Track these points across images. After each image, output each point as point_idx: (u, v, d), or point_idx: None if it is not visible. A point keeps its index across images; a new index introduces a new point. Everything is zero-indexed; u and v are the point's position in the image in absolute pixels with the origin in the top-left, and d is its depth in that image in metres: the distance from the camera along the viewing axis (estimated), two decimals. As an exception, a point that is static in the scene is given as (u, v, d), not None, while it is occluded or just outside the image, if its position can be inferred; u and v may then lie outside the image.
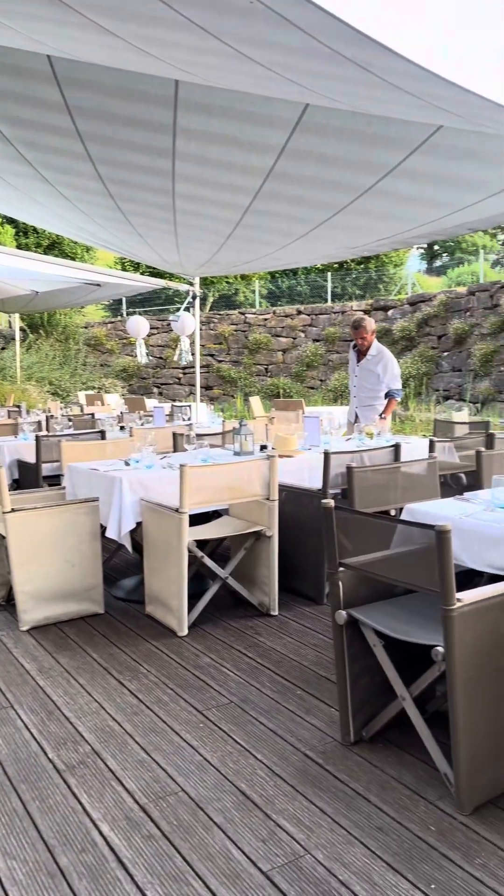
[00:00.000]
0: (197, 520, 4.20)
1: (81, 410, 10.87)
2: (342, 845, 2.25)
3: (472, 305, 16.80)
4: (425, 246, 31.76)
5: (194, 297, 10.49)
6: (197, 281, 10.41)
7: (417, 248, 31.51)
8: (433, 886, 2.06)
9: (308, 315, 19.99)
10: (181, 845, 2.26)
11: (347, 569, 2.74)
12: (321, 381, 19.09)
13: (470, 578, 3.06)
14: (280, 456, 4.43)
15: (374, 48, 2.71)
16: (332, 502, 2.73)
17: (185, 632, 3.99)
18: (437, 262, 33.12)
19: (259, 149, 4.60)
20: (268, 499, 4.15)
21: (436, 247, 32.67)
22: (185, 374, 20.08)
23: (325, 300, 22.17)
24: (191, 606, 4.04)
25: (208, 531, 4.20)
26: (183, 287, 10.77)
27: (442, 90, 3.35)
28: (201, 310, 14.38)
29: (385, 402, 6.58)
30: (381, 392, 6.56)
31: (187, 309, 10.52)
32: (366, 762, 2.70)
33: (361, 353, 6.66)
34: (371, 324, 6.59)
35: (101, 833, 2.33)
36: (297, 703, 3.19)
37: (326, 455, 4.36)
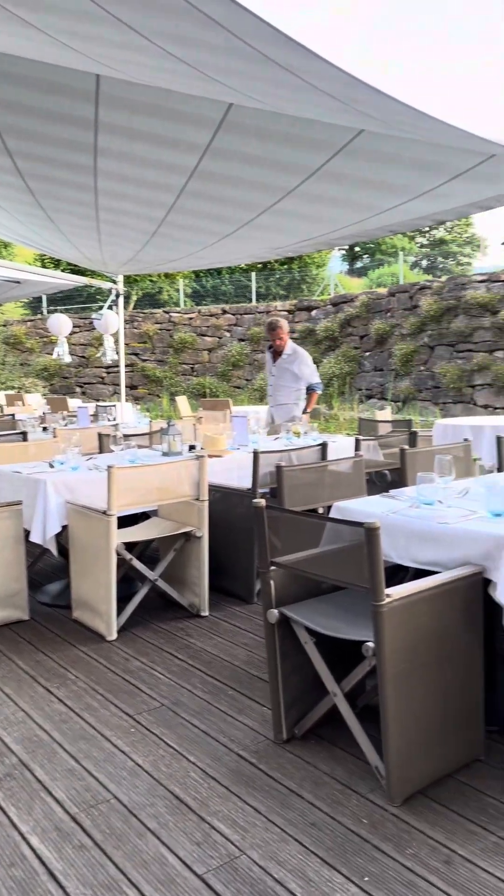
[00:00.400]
0: (125, 522, 4.15)
1: (1, 411, 10.56)
2: (277, 843, 2.26)
3: (392, 306, 17.20)
4: (347, 247, 32.32)
5: (118, 296, 10.35)
6: (120, 279, 10.27)
7: (339, 250, 32.04)
8: (366, 879, 2.09)
9: (233, 314, 20.03)
10: (114, 854, 2.23)
11: (279, 567, 2.76)
12: (247, 380, 19.16)
13: (394, 573, 3.12)
14: (209, 456, 4.42)
15: (298, 51, 2.73)
16: (263, 502, 2.73)
17: (115, 636, 3.93)
18: (359, 264, 33.77)
19: (183, 147, 4.57)
20: (197, 499, 4.13)
21: (357, 248, 33.30)
22: (108, 373, 19.80)
23: (250, 300, 22.26)
24: (119, 610, 3.98)
25: (137, 533, 4.15)
26: (106, 285, 10.61)
27: (364, 95, 3.40)
28: (125, 308, 14.21)
29: (302, 401, 6.80)
30: (298, 390, 6.77)
31: (111, 307, 10.37)
32: (299, 759, 2.72)
33: (277, 354, 6.85)
34: (286, 325, 6.83)
35: (30, 846, 2.27)
36: (230, 703, 3.19)
37: (256, 454, 4.38)
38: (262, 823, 2.36)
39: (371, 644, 2.38)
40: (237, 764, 2.71)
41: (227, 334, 19.90)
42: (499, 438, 4.52)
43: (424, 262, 35.50)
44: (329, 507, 3.54)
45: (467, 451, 4.67)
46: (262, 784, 2.57)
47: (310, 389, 6.82)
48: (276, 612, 2.73)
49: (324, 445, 4.84)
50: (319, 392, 6.90)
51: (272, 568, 2.75)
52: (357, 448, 4.88)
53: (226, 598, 4.50)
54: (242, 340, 19.63)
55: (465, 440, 4.82)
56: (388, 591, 2.36)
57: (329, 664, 2.69)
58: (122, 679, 3.44)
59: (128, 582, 4.50)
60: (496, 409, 14.78)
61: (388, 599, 2.34)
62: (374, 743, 2.54)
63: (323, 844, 2.24)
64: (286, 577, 2.79)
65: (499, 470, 4.16)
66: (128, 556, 3.95)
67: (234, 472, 4.82)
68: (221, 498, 4.49)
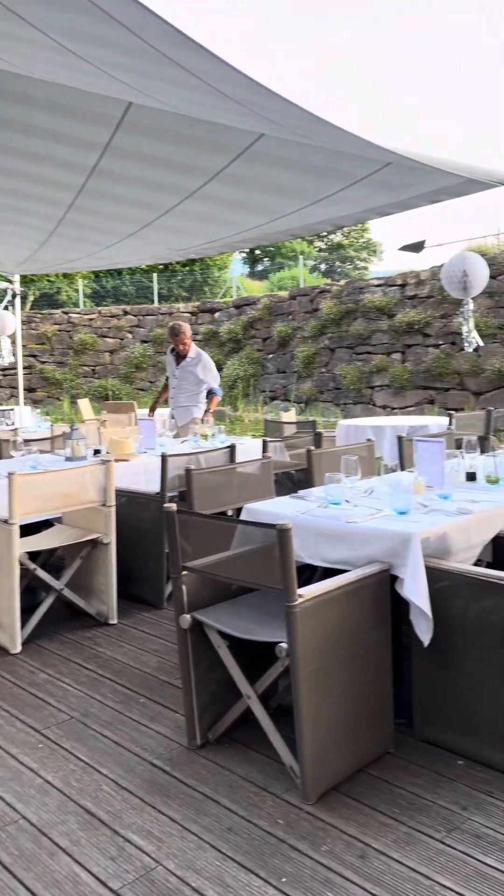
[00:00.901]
0: (28, 530, 4.01)
1: None
2: (193, 851, 2.23)
3: (293, 309, 17.46)
4: (247, 250, 32.58)
5: (14, 296, 10.02)
6: (17, 278, 9.95)
7: (240, 253, 32.26)
8: (284, 880, 2.10)
9: (135, 316, 19.78)
10: (24, 875, 2.14)
11: (191, 572, 2.73)
12: (150, 382, 18.97)
13: (301, 573, 3.16)
14: (115, 460, 4.33)
15: (199, 53, 2.72)
16: (174, 506, 2.70)
17: (19, 648, 3.79)
18: (259, 267, 34.14)
19: (82, 145, 4.47)
20: (104, 504, 4.04)
21: (257, 251, 33.62)
22: (5, 375, 19.12)
23: (152, 301, 22.07)
24: (24, 621, 3.84)
25: (41, 542, 4.02)
26: (1, 284, 10.25)
27: (264, 100, 3.43)
28: (21, 308, 13.76)
29: (203, 403, 6.86)
30: (199, 393, 6.82)
31: (6, 307, 10.02)
32: (213, 764, 2.70)
33: (180, 357, 6.86)
34: (188, 329, 6.91)
35: None
36: (141, 711, 3.13)
37: (164, 458, 4.33)
38: (177, 832, 2.33)
39: (284, 645, 2.39)
40: (151, 773, 2.66)
41: (129, 335, 19.64)
42: (399, 438, 4.66)
43: (323, 266, 36.28)
44: (239, 510, 3.55)
45: (370, 450, 4.79)
46: (176, 792, 2.54)
47: (210, 393, 6.89)
48: (188, 617, 2.70)
49: (232, 448, 4.85)
50: (219, 397, 6.99)
51: (184, 573, 2.73)
52: (265, 450, 4.91)
53: (135, 605, 4.43)
54: (145, 342, 19.42)
55: (368, 440, 4.94)
56: (300, 591, 2.38)
57: (242, 667, 2.69)
58: (28, 693, 3.32)
59: (32, 592, 4.34)
60: (394, 409, 15.26)
61: (300, 600, 2.36)
62: (288, 743, 2.56)
63: (240, 849, 2.24)
64: (198, 582, 2.77)
65: (401, 469, 4.29)
66: (31, 565, 3.81)
67: (141, 476, 4.75)
68: (128, 503, 4.42)
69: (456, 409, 14.13)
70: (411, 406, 15.18)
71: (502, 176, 5.63)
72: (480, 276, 5.57)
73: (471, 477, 3.55)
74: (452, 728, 2.69)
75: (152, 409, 7.42)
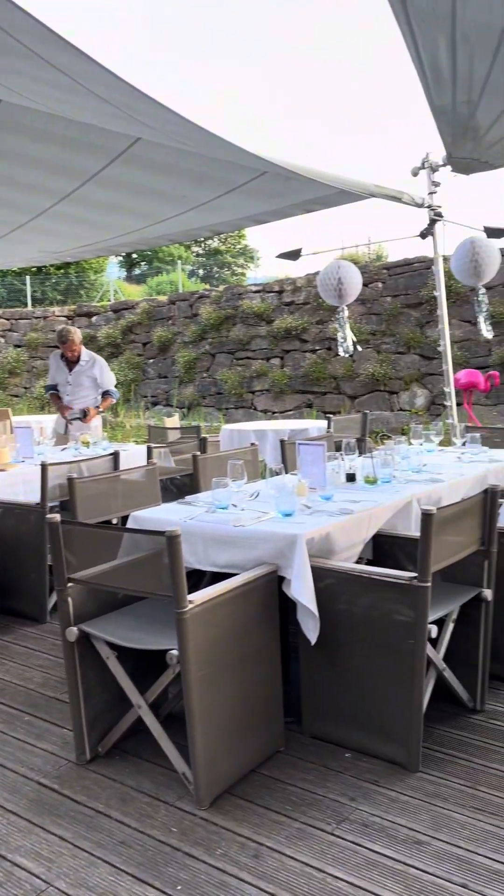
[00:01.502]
0: None
1: None
2: (86, 869, 2.18)
3: (173, 314, 17.42)
4: (124, 254, 32.18)
5: None
6: None
7: (117, 256, 31.82)
8: (179, 888, 2.09)
9: (7, 319, 19.06)
10: None
11: (76, 583, 2.67)
12: (25, 388, 18.34)
13: (188, 578, 3.16)
14: (-10, 470, 4.16)
15: (68, 51, 2.68)
16: (57, 517, 2.63)
17: None
18: (137, 271, 33.82)
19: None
20: (-20, 517, 3.87)
21: (134, 255, 33.28)
22: None
23: (25, 304, 21.35)
24: None
25: None
26: None
27: (140, 104, 3.41)
28: None
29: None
30: (97, 398, 6.66)
31: None
32: (104, 778, 2.65)
33: (72, 363, 6.65)
34: (78, 333, 6.70)
35: None
36: (27, 729, 3.02)
37: (43, 467, 4.19)
38: (68, 851, 2.26)
39: (175, 652, 2.38)
40: (38, 793, 2.57)
41: (2, 340, 18.90)
42: (282, 442, 4.75)
43: (201, 272, 36.42)
44: (125, 518, 3.50)
45: (255, 454, 4.86)
46: (66, 810, 2.47)
47: (106, 394, 6.74)
48: (74, 629, 2.63)
49: (115, 455, 4.77)
50: (115, 399, 6.84)
51: (69, 584, 2.66)
52: (150, 456, 4.87)
53: (16, 620, 4.27)
54: (19, 346, 18.76)
55: (252, 444, 5.01)
56: (189, 597, 2.38)
57: (132, 677, 2.65)
58: None
59: None
60: (274, 413, 15.54)
61: (190, 606, 2.36)
62: (180, 750, 2.55)
63: (133, 861, 2.20)
64: (84, 593, 2.71)
65: (284, 472, 4.38)
66: None
67: (19, 487, 4.58)
68: (5, 514, 4.25)
69: (333, 413, 14.57)
70: (291, 410, 15.51)
71: (371, 188, 5.88)
72: (354, 283, 5.78)
73: (350, 478, 3.68)
74: (339, 722, 2.77)
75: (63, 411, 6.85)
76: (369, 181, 5.87)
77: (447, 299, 14.49)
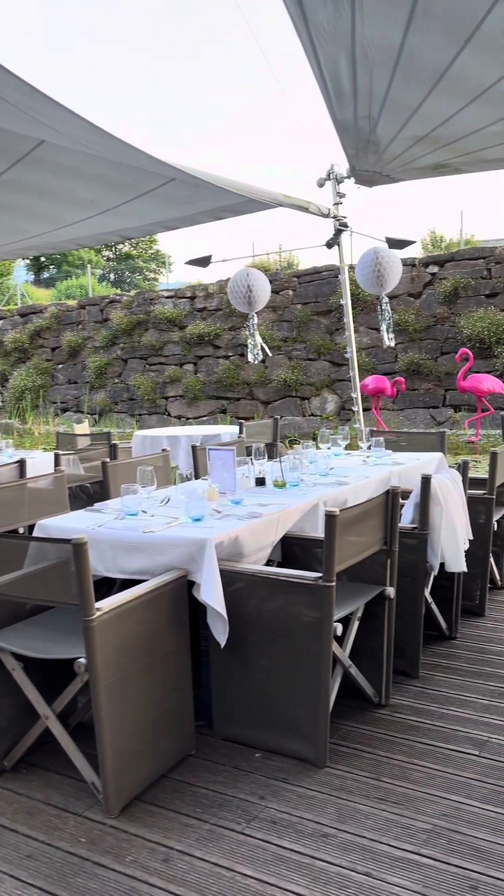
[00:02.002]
0: None
1: None
2: (-8, 886, 2.13)
3: (83, 319, 17.15)
4: (32, 257, 31.44)
5: None
6: None
7: (24, 259, 31.05)
8: (89, 897, 2.07)
9: None
10: None
11: (-21, 594, 2.60)
12: None
13: (100, 586, 3.13)
14: None
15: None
16: (-43, 526, 2.56)
17: None
18: (45, 274, 33.10)
19: None
20: None
21: (43, 259, 32.58)
22: None
23: None
24: None
25: None
26: None
27: (42, 105, 3.38)
28: None
29: None
30: None
31: None
32: (10, 792, 2.59)
33: None
34: None
35: None
36: None
37: None
38: (-27, 870, 2.20)
39: (83, 660, 2.36)
40: None
41: None
42: (193, 447, 4.77)
43: (112, 276, 36.01)
44: (31, 527, 3.43)
45: (166, 460, 4.85)
46: (-29, 828, 2.40)
47: None
48: (-22, 641, 2.57)
49: (21, 462, 4.67)
50: None
51: (-28, 595, 2.59)
52: (57, 463, 4.78)
53: None
54: None
55: (164, 450, 5.00)
56: (97, 604, 2.37)
57: (39, 687, 2.61)
58: None
59: None
60: (188, 419, 15.53)
61: (98, 613, 2.35)
62: (89, 759, 2.52)
63: (41, 874, 2.17)
64: (-12, 604, 2.65)
65: (195, 477, 4.40)
66: None
67: None
68: None
69: (246, 418, 14.71)
70: (204, 415, 15.54)
71: (279, 197, 6.00)
72: (263, 291, 5.88)
73: (260, 482, 3.74)
74: (250, 723, 2.81)
75: None
76: (277, 190, 5.99)
77: (355, 307, 14.92)
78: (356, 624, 2.99)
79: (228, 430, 7.08)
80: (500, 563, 4.55)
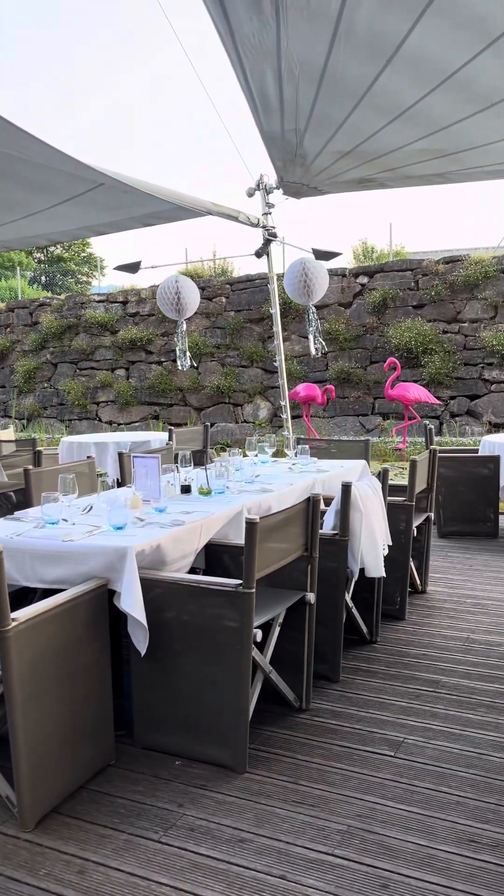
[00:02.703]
0: None
1: None
2: None
3: (11, 322, 16.79)
4: (-40, 257, 30.62)
5: None
6: None
7: (-48, 259, 30.22)
8: (1, 913, 2.03)
9: None
10: None
11: None
12: None
13: (24, 596, 3.09)
14: None
15: None
16: None
17: None
18: (-26, 275, 32.23)
19: None
20: None
21: (-29, 259, 31.76)
22: None
23: None
24: None
25: None
26: None
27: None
28: None
29: None
30: None
31: None
32: None
33: None
34: None
35: None
36: None
37: None
38: None
39: (-3, 672, 2.32)
40: None
41: None
42: (120, 454, 4.73)
43: (43, 279, 35.37)
44: None
45: (92, 467, 4.80)
46: None
47: None
48: None
49: None
50: None
51: None
52: (-22, 470, 4.68)
53: None
54: None
55: (89, 457, 4.95)
56: (13, 615, 2.33)
57: (-47, 701, 2.55)
58: None
59: None
60: (119, 424, 15.39)
61: (14, 624, 2.31)
62: (3, 772, 2.48)
63: (-48, 893, 2.12)
64: None
65: (119, 485, 4.37)
66: None
67: None
68: None
69: (178, 424, 14.67)
70: (137, 421, 15.43)
71: (208, 206, 6.03)
72: (192, 298, 5.89)
73: (186, 489, 3.75)
74: (171, 731, 2.81)
75: None
76: (207, 199, 6.03)
77: (287, 316, 15.08)
78: (277, 630, 3.03)
79: (158, 437, 7.06)
80: (420, 568, 4.68)
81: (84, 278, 35.35)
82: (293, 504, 3.10)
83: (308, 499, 3.10)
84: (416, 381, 12.84)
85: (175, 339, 6.23)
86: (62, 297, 16.80)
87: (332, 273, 14.00)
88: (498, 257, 12.80)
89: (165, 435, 6.94)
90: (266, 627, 3.02)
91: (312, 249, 5.90)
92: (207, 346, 14.75)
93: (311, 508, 3.09)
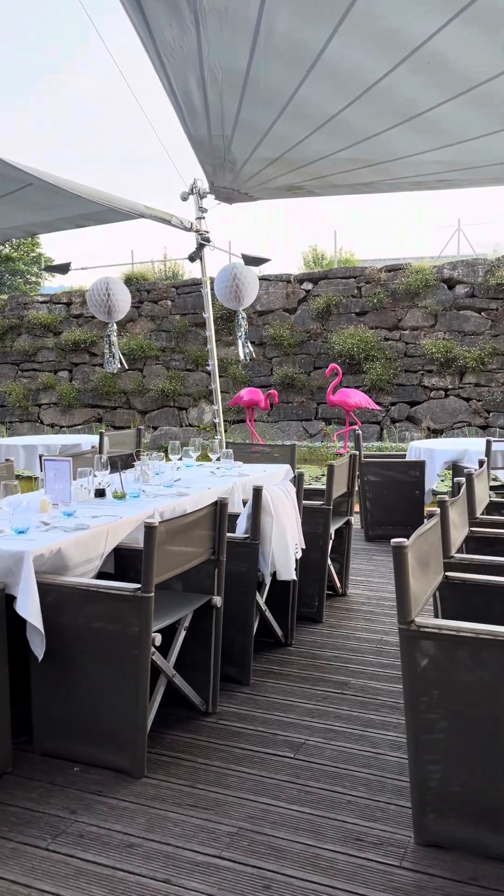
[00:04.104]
0: None
1: None
2: None
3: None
4: None
5: None
6: None
7: None
8: None
9: None
10: None
11: None
12: None
13: None
14: None
15: None
16: None
17: None
18: None
19: None
20: None
21: None
22: None
23: None
24: None
25: None
26: None
27: None
28: None
29: None
30: None
31: None
32: None
33: None
34: None
35: None
36: None
37: None
38: None
39: None
40: None
41: None
42: (41, 457, 4.68)
43: (-8, 278, 34.68)
44: None
45: (10, 470, 4.74)
46: None
47: None
48: None
49: None
50: None
51: None
52: None
53: None
54: None
55: (7, 460, 4.88)
56: None
57: None
58: None
59: None
60: (62, 427, 15.20)
61: None
62: None
63: None
64: None
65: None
66: None
67: None
68: None
69: (122, 427, 14.56)
70: (80, 424, 15.27)
71: (141, 208, 6.02)
72: (123, 299, 5.86)
73: (100, 493, 3.72)
74: (70, 737, 2.78)
75: None
76: (139, 201, 6.01)
77: (233, 320, 15.05)
78: (183, 633, 3.03)
79: (92, 440, 6.99)
80: (341, 571, 4.74)
81: (34, 279, 34.81)
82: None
83: (216, 502, 3.11)
84: (357, 388, 13.00)
85: (105, 341, 6.18)
86: (5, 297, 16.53)
87: (278, 279, 14.10)
88: (438, 266, 13.06)
89: (97, 438, 6.88)
90: (172, 630, 3.02)
91: (242, 255, 5.93)
92: (152, 349, 14.69)
93: (218, 512, 3.10)
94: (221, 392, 14.33)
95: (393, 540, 2.28)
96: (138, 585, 2.63)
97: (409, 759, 2.27)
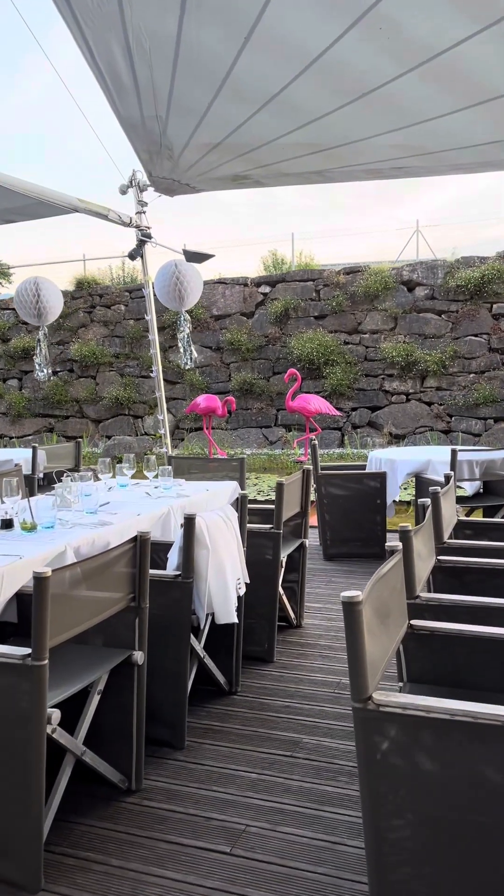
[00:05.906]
0: None
1: None
2: None
3: None
4: None
5: None
6: None
7: None
8: None
9: None
10: None
11: None
12: None
13: None
14: None
15: None
16: None
17: None
18: None
19: None
20: None
21: None
22: None
23: None
24: None
25: None
26: None
27: None
28: None
29: None
30: None
31: None
32: None
33: None
34: None
35: None
36: None
37: None
38: None
39: None
40: None
41: None
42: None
43: None
44: None
45: None
46: None
47: None
48: None
49: None
50: None
51: None
52: None
53: None
54: None
55: None
56: None
57: None
58: None
59: None
60: (11, 438, 14.51)
61: None
62: None
63: None
64: None
65: None
66: None
67: None
68: None
69: (75, 437, 13.94)
70: (30, 434, 14.61)
71: (74, 202, 5.49)
72: (54, 302, 5.33)
73: (7, 524, 3.17)
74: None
75: None
76: (72, 195, 5.49)
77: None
78: (96, 699, 2.51)
79: (24, 455, 6.41)
80: (295, 599, 4.25)
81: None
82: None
83: (135, 538, 2.59)
84: (318, 393, 12.58)
85: (36, 348, 5.62)
86: (-51, 302, 15.80)
87: (235, 282, 13.64)
88: (398, 269, 12.72)
89: (30, 452, 6.30)
90: (83, 696, 2.49)
91: (183, 250, 5.43)
92: (105, 355, 14.11)
93: (139, 549, 2.59)
94: (178, 399, 13.79)
95: (343, 594, 1.78)
96: (28, 651, 2.10)
97: (368, 872, 1.78)
